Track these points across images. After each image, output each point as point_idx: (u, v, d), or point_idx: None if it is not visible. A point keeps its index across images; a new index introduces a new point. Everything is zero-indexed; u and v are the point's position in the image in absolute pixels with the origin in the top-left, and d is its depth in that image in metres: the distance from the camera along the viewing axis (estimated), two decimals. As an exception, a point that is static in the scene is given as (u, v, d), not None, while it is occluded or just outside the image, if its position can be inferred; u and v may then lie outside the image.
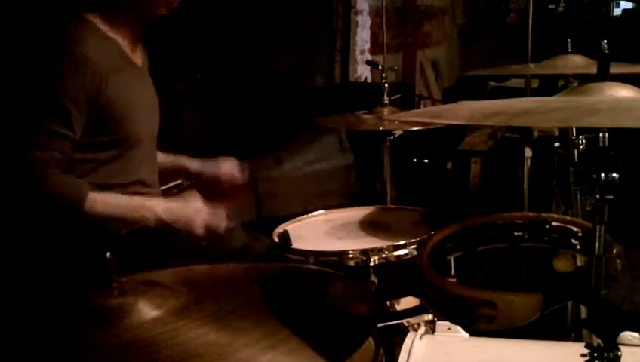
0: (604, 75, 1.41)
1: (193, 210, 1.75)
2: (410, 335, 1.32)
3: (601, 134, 0.96)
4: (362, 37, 4.14)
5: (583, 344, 0.93)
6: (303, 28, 3.73)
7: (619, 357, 0.91)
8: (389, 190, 2.56)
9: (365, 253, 1.67)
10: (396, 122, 2.37)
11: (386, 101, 2.43)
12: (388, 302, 1.72)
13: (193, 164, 2.05)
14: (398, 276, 1.70)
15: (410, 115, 1.93)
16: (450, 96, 5.41)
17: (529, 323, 0.96)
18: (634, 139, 1.50)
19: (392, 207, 2.25)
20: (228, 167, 2.03)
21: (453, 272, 1.58)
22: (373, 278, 1.66)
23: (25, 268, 1.80)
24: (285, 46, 3.63)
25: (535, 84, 3.31)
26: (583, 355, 0.92)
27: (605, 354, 0.90)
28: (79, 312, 0.99)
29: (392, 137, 2.50)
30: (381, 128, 2.39)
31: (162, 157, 2.04)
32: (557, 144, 2.56)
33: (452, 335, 1.33)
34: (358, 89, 3.83)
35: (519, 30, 3.50)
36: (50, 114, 1.64)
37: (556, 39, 2.39)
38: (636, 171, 2.12)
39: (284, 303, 1.07)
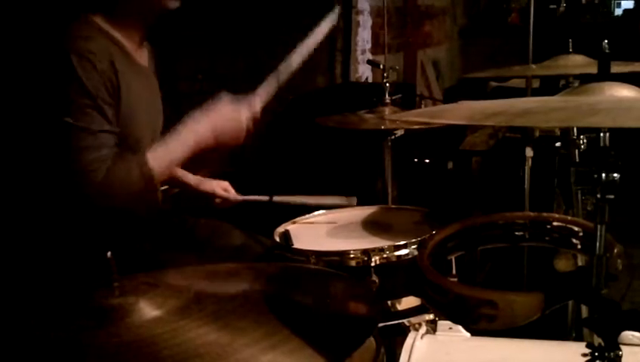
0: (604, 75, 1.41)
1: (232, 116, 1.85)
2: (411, 335, 1.32)
3: (602, 134, 0.96)
4: (363, 37, 4.14)
5: (584, 343, 0.93)
6: (303, 27, 3.72)
7: (620, 357, 0.91)
8: (390, 190, 2.56)
9: (366, 252, 1.67)
10: (397, 122, 2.37)
11: (387, 101, 2.43)
12: (389, 302, 1.72)
13: (190, 178, 2.10)
14: (399, 276, 1.70)
15: (411, 115, 1.93)
16: (451, 96, 5.41)
17: (530, 322, 0.96)
18: (635, 138, 1.50)
19: (393, 206, 2.25)
20: (224, 187, 2.12)
21: (454, 272, 1.58)
22: (375, 278, 1.66)
23: (26, 268, 1.80)
24: (286, 46, 3.62)
25: (536, 84, 3.30)
26: (584, 355, 0.92)
27: (606, 354, 0.90)
28: (80, 312, 0.99)
29: (393, 137, 2.50)
30: (382, 128, 2.39)
31: None
32: (558, 144, 2.56)
33: (453, 335, 1.33)
34: (359, 89, 3.83)
35: (520, 30, 3.50)
36: (83, 113, 1.62)
37: (557, 39, 2.39)
38: (637, 171, 2.12)
39: (285, 303, 1.07)
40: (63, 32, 1.69)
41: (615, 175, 0.90)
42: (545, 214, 1.27)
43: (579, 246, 1.22)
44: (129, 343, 0.91)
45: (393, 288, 1.70)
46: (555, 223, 1.25)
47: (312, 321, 1.02)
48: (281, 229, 1.92)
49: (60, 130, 1.61)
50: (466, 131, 3.48)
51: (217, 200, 2.10)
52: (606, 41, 1.50)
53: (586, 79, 1.81)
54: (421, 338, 1.32)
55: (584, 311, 1.64)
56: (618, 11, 6.56)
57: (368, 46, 4.20)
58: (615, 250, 1.03)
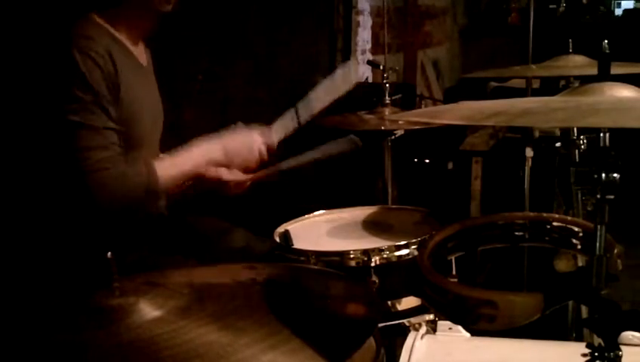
0: (605, 75, 1.41)
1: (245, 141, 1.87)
2: (411, 335, 1.33)
3: (602, 134, 0.97)
4: (363, 37, 4.13)
5: (584, 343, 0.93)
6: (303, 28, 3.72)
7: (620, 357, 0.91)
8: (390, 190, 2.56)
9: (366, 253, 1.67)
10: (397, 122, 2.37)
11: (387, 101, 2.44)
12: (389, 302, 1.72)
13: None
14: (399, 276, 1.70)
15: (412, 115, 1.93)
16: (451, 96, 5.41)
17: (530, 322, 0.96)
18: (635, 138, 1.50)
19: (394, 207, 2.25)
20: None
21: (454, 272, 1.58)
22: (375, 278, 1.66)
23: (27, 269, 1.80)
24: (286, 46, 3.63)
25: (536, 84, 3.30)
26: (584, 355, 0.92)
27: (606, 354, 0.90)
28: (81, 312, 1.00)
29: (393, 137, 2.50)
30: (382, 128, 2.39)
31: None
32: (558, 144, 2.55)
33: (453, 335, 1.34)
34: (360, 89, 3.83)
35: (520, 30, 3.50)
36: (87, 110, 1.62)
37: (557, 39, 2.39)
38: (637, 171, 2.12)
39: (286, 303, 1.07)
40: (66, 30, 1.69)
41: (615, 175, 0.90)
42: (545, 214, 1.27)
43: (579, 247, 1.22)
44: (129, 343, 0.91)
45: (393, 288, 1.70)
46: (555, 223, 1.25)
47: (312, 321, 1.02)
48: (281, 229, 1.92)
49: (65, 128, 1.62)
50: (466, 131, 3.48)
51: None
52: (606, 41, 1.50)
53: (586, 79, 1.81)
54: (421, 338, 1.32)
55: (584, 311, 1.64)
56: (618, 11, 6.56)
57: (368, 46, 4.20)
58: (615, 251, 1.03)
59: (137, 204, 1.68)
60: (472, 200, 3.10)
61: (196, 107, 3.08)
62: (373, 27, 4.24)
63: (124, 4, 1.76)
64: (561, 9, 5.90)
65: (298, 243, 1.80)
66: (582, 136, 2.01)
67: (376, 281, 1.66)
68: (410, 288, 1.53)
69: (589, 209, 1.97)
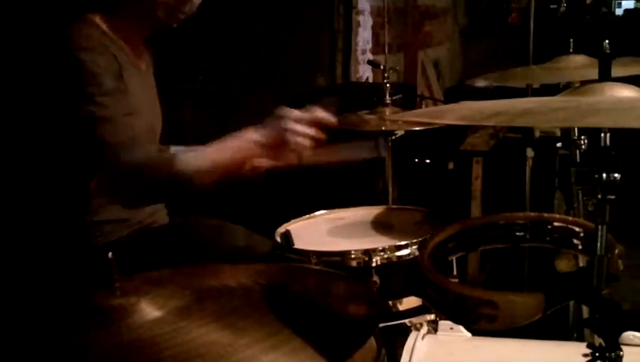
0: (605, 75, 1.41)
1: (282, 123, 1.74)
2: (412, 335, 1.33)
3: (602, 134, 0.97)
4: (364, 37, 4.14)
5: (584, 344, 0.93)
6: (304, 28, 3.73)
7: (621, 357, 0.91)
8: (390, 190, 2.56)
9: (367, 253, 1.67)
10: (398, 122, 2.37)
11: (388, 101, 2.43)
12: (390, 302, 1.72)
13: None
14: (400, 276, 1.70)
15: (412, 115, 1.93)
16: (452, 96, 5.41)
17: (531, 322, 0.96)
18: (635, 138, 1.50)
19: (394, 207, 2.25)
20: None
21: (455, 272, 1.58)
22: (376, 278, 1.66)
23: (27, 269, 1.80)
24: (287, 46, 3.63)
25: (537, 84, 3.30)
26: (585, 355, 0.92)
27: (607, 354, 0.90)
28: (81, 312, 1.00)
29: (393, 137, 2.50)
30: (383, 128, 2.39)
31: None
32: (559, 144, 2.56)
33: (454, 335, 1.34)
34: (360, 89, 3.83)
35: (521, 30, 3.50)
36: (101, 105, 1.63)
37: (558, 39, 2.39)
38: (638, 171, 2.12)
39: (286, 303, 1.07)
40: (65, 31, 1.69)
41: (616, 175, 0.90)
42: (546, 214, 1.27)
43: (580, 247, 1.22)
44: (130, 343, 0.91)
45: (394, 288, 1.70)
46: (555, 223, 1.25)
47: (313, 322, 1.02)
48: (281, 229, 1.92)
49: (84, 123, 1.62)
50: (466, 131, 3.48)
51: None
52: (607, 41, 1.50)
53: (586, 81, 1.80)
54: (422, 338, 1.32)
55: (585, 311, 1.64)
56: (619, 11, 6.56)
57: (369, 46, 4.20)
58: (616, 251, 1.03)
59: (161, 193, 1.66)
60: (472, 201, 3.10)
61: (196, 107, 3.08)
62: (373, 27, 4.24)
63: (124, 11, 1.76)
64: (562, 9, 5.90)
65: (299, 243, 1.80)
66: (582, 136, 2.00)
67: (377, 281, 1.66)
68: (411, 288, 1.53)
69: (589, 209, 1.97)
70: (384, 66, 2.57)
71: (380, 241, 1.78)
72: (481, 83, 2.28)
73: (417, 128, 2.44)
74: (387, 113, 2.40)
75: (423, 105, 4.10)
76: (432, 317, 1.61)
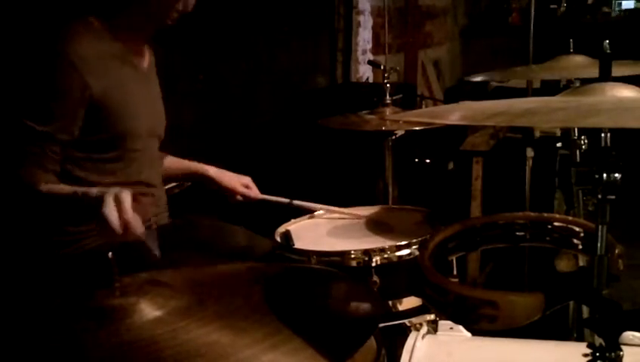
0: (605, 76, 1.41)
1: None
2: (412, 335, 1.33)
3: (602, 134, 0.97)
4: (364, 37, 4.14)
5: (585, 344, 0.93)
6: (304, 28, 3.73)
7: (621, 357, 0.91)
8: (390, 190, 2.56)
9: (367, 253, 1.67)
10: (398, 122, 2.37)
11: (388, 101, 2.43)
12: (390, 302, 1.72)
13: (212, 171, 2.07)
14: (400, 276, 1.70)
15: (412, 115, 1.93)
16: (452, 96, 5.41)
17: (531, 322, 0.96)
18: (635, 138, 1.50)
19: (394, 207, 2.25)
20: (245, 183, 2.08)
21: (455, 272, 1.58)
22: (376, 278, 1.66)
23: (27, 269, 1.80)
24: (287, 46, 3.63)
25: (537, 84, 3.30)
26: (585, 355, 0.92)
27: (607, 354, 0.90)
28: (81, 312, 1.00)
29: (393, 137, 2.50)
30: (383, 128, 2.39)
31: (177, 161, 2.06)
32: (559, 144, 2.56)
33: (454, 335, 1.33)
34: (360, 89, 3.84)
35: (521, 30, 3.50)
36: (41, 119, 1.65)
37: (558, 39, 2.39)
38: (638, 171, 2.12)
39: (286, 303, 1.07)
40: (56, 31, 1.70)
41: (616, 175, 0.90)
42: (546, 214, 1.27)
43: (580, 247, 1.22)
44: (130, 343, 0.91)
45: (394, 288, 1.70)
46: (556, 223, 1.24)
47: (313, 321, 1.02)
48: (281, 229, 1.92)
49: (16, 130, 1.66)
50: (466, 131, 3.47)
51: (238, 197, 2.07)
52: (607, 41, 1.50)
53: (587, 79, 1.80)
54: (422, 338, 1.32)
55: (585, 311, 1.64)
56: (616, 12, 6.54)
57: (369, 46, 4.20)
58: (616, 251, 1.03)
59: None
60: (472, 201, 3.10)
61: (196, 107, 3.08)
62: (373, 27, 4.24)
63: (124, 15, 1.76)
64: (562, 9, 5.90)
65: (299, 243, 1.80)
66: (583, 136, 2.00)
67: (377, 281, 1.66)
68: (411, 288, 1.53)
69: (590, 209, 1.97)
70: (384, 66, 2.58)
71: (380, 241, 1.78)
72: (480, 78, 2.28)
73: (417, 128, 2.45)
74: (387, 113, 2.40)
75: (423, 105, 4.10)
76: (432, 317, 1.61)
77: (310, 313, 1.06)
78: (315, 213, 2.06)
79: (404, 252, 1.70)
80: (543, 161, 2.69)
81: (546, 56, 2.27)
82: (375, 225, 1.97)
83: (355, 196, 2.31)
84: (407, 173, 3.31)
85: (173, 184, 2.18)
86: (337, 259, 1.70)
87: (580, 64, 2.11)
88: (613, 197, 0.91)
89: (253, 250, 1.91)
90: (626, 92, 1.31)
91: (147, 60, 1.92)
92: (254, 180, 2.12)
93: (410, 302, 1.70)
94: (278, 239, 1.84)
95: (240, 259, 1.84)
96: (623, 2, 6.39)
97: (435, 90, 5.42)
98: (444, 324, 1.35)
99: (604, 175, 0.90)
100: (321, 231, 1.96)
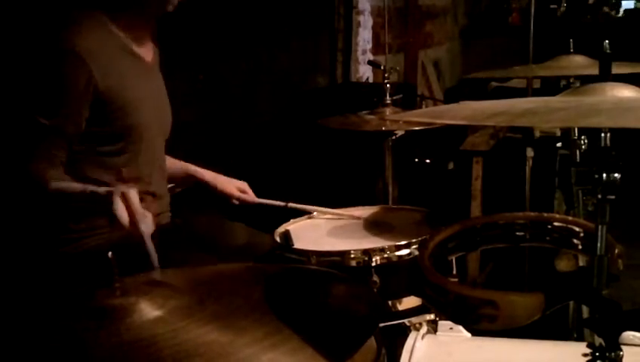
0: (605, 76, 1.41)
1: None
2: (412, 335, 1.33)
3: (602, 134, 0.96)
4: (364, 37, 4.14)
5: (584, 344, 0.93)
6: (304, 28, 3.73)
7: (620, 357, 0.91)
8: (390, 190, 2.56)
9: (367, 252, 1.67)
10: (398, 122, 2.37)
11: (388, 101, 2.44)
12: (390, 302, 1.72)
13: (207, 175, 2.08)
14: (399, 276, 1.70)
15: (412, 115, 1.93)
16: (452, 96, 5.41)
17: (531, 322, 0.96)
18: (635, 138, 1.50)
19: (394, 207, 2.25)
20: (241, 187, 2.10)
21: (454, 272, 1.58)
22: (375, 278, 1.66)
23: (27, 269, 1.80)
24: (287, 46, 3.63)
25: (537, 84, 3.30)
26: (585, 355, 0.92)
27: (607, 354, 0.90)
28: (81, 312, 1.00)
29: (393, 137, 2.50)
30: (383, 128, 2.39)
31: (173, 163, 2.06)
32: (559, 144, 2.56)
33: (454, 335, 1.33)
34: (360, 89, 3.84)
35: (521, 30, 3.50)
36: (49, 113, 1.64)
37: (558, 39, 2.39)
38: (638, 171, 2.12)
39: (286, 303, 1.07)
40: (60, 24, 1.70)
41: (616, 175, 0.90)
42: (546, 214, 1.27)
43: (580, 247, 1.22)
44: (130, 343, 0.91)
45: (394, 288, 1.70)
46: (555, 223, 1.24)
47: (312, 321, 1.02)
48: (281, 229, 1.92)
49: (22, 124, 1.67)
50: (466, 131, 3.48)
51: (234, 201, 2.10)
52: (607, 41, 1.50)
53: (587, 79, 1.80)
54: (422, 338, 1.32)
55: (585, 311, 1.64)
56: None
57: (369, 46, 4.20)
58: (616, 251, 1.03)
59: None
60: (472, 200, 3.10)
61: (196, 107, 3.08)
62: (373, 27, 4.24)
63: (127, 4, 1.76)
64: (562, 9, 5.90)
65: (298, 243, 1.80)
66: (582, 136, 2.00)
67: (377, 281, 1.66)
68: (410, 288, 1.53)
69: (589, 209, 1.97)
70: (384, 66, 2.58)
71: (380, 241, 1.78)
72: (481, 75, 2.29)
73: (417, 128, 2.45)
74: (387, 113, 2.40)
75: (423, 105, 4.11)
76: (432, 317, 1.61)
77: (310, 312, 1.06)
78: (315, 214, 2.06)
79: (404, 252, 1.70)
80: (543, 161, 2.70)
81: (546, 56, 2.28)
82: (375, 225, 1.97)
83: (355, 196, 2.31)
84: (407, 173, 3.32)
85: (174, 184, 2.18)
86: (337, 259, 1.70)
87: (580, 64, 2.11)
88: (613, 197, 0.91)
89: (254, 247, 1.91)
90: (626, 92, 1.31)
91: (152, 55, 1.92)
92: (254, 180, 2.13)
93: (410, 302, 1.70)
94: (278, 239, 1.84)
95: (241, 256, 1.84)
96: (623, 2, 6.39)
97: (435, 90, 5.42)
98: (443, 324, 1.35)
99: (604, 175, 0.90)
100: (321, 231, 1.96)
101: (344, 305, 1.14)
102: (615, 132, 0.98)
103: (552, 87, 2.45)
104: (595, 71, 1.52)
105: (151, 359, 0.88)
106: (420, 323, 1.59)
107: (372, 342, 1.31)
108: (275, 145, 3.38)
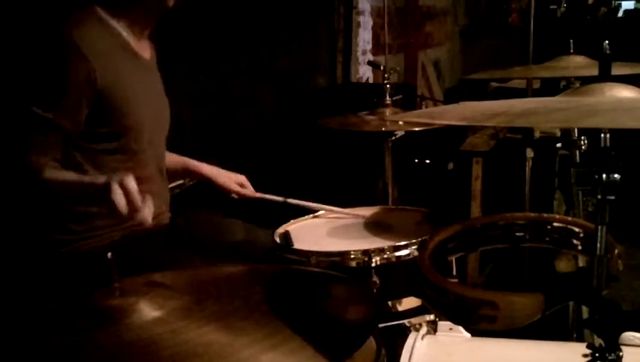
0: (605, 76, 1.41)
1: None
2: (411, 336, 1.32)
3: (602, 135, 0.96)
4: (364, 37, 4.13)
5: (584, 344, 0.93)
6: (304, 28, 3.73)
7: (620, 358, 0.91)
8: (390, 190, 2.56)
9: (367, 253, 1.67)
10: (398, 123, 2.37)
11: (388, 102, 2.43)
12: (389, 303, 1.72)
13: (206, 169, 2.08)
14: (399, 276, 1.70)
15: (412, 116, 1.94)
16: (452, 96, 5.41)
17: (531, 323, 0.96)
18: (635, 139, 1.50)
19: (394, 207, 2.25)
20: (240, 181, 2.11)
21: (454, 273, 1.58)
22: (375, 279, 1.66)
23: (27, 269, 1.80)
24: (287, 46, 3.63)
25: (537, 84, 3.30)
26: (585, 355, 0.92)
27: (607, 355, 0.90)
28: (81, 312, 1.00)
29: (393, 138, 2.50)
30: (383, 129, 2.39)
31: (172, 158, 2.06)
32: (559, 145, 2.56)
33: (454, 336, 1.33)
34: (360, 89, 3.83)
35: (521, 31, 3.50)
36: (46, 104, 1.63)
37: (558, 40, 2.39)
38: (637, 171, 2.12)
39: (286, 304, 1.07)
40: (60, 19, 1.70)
41: (616, 176, 0.90)
42: (545, 215, 1.27)
43: (579, 247, 1.22)
44: (129, 343, 0.91)
45: (394, 289, 1.70)
46: (555, 224, 1.25)
47: (312, 322, 1.02)
48: (281, 230, 1.92)
49: (19, 118, 1.65)
50: (466, 132, 3.48)
51: (233, 195, 2.11)
52: (607, 41, 1.50)
53: (586, 80, 1.81)
54: (422, 338, 1.32)
55: (585, 311, 1.64)
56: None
57: (369, 47, 4.19)
58: (616, 251, 1.03)
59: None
60: (472, 201, 3.10)
61: (196, 107, 3.08)
62: (373, 27, 4.24)
63: (133, 6, 1.77)
64: (562, 9, 5.90)
65: (298, 244, 1.80)
66: (582, 137, 2.00)
67: (377, 282, 1.66)
68: (410, 288, 1.53)
69: (589, 209, 1.97)
70: (384, 67, 2.57)
71: (380, 241, 1.78)
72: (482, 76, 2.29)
73: (417, 128, 2.45)
74: (387, 114, 2.40)
75: (423, 106, 4.10)
76: (432, 317, 1.60)
77: (309, 313, 1.06)
78: (315, 214, 2.06)
79: (404, 252, 1.70)
80: (542, 162, 2.70)
81: (546, 56, 2.28)
82: (375, 226, 1.97)
83: (355, 196, 2.31)
84: (407, 174, 3.31)
85: (174, 184, 2.18)
86: (337, 260, 1.70)
87: (579, 64, 2.11)
88: (612, 197, 0.91)
89: (254, 243, 1.91)
90: (625, 92, 1.31)
91: (150, 53, 1.92)
92: (254, 180, 2.13)
93: (409, 303, 1.70)
94: (278, 240, 1.84)
95: (241, 254, 1.84)
96: (623, 3, 6.39)
97: (435, 90, 5.42)
98: (443, 325, 1.35)
99: (604, 175, 0.90)
100: (321, 231, 1.96)
101: (344, 305, 1.14)
102: (615, 132, 0.98)
103: (552, 87, 2.44)
104: (594, 71, 1.52)
105: (150, 359, 0.88)
106: (420, 324, 1.59)
107: (372, 342, 1.31)
108: (275, 146, 3.38)
